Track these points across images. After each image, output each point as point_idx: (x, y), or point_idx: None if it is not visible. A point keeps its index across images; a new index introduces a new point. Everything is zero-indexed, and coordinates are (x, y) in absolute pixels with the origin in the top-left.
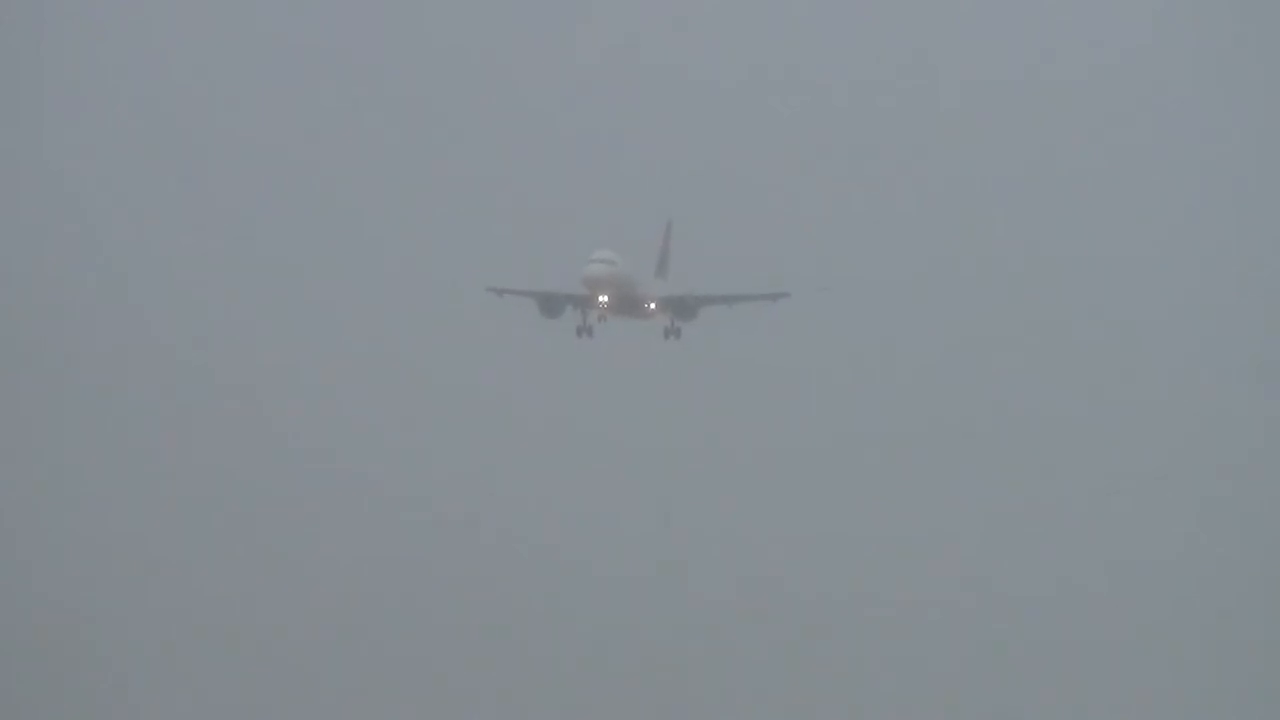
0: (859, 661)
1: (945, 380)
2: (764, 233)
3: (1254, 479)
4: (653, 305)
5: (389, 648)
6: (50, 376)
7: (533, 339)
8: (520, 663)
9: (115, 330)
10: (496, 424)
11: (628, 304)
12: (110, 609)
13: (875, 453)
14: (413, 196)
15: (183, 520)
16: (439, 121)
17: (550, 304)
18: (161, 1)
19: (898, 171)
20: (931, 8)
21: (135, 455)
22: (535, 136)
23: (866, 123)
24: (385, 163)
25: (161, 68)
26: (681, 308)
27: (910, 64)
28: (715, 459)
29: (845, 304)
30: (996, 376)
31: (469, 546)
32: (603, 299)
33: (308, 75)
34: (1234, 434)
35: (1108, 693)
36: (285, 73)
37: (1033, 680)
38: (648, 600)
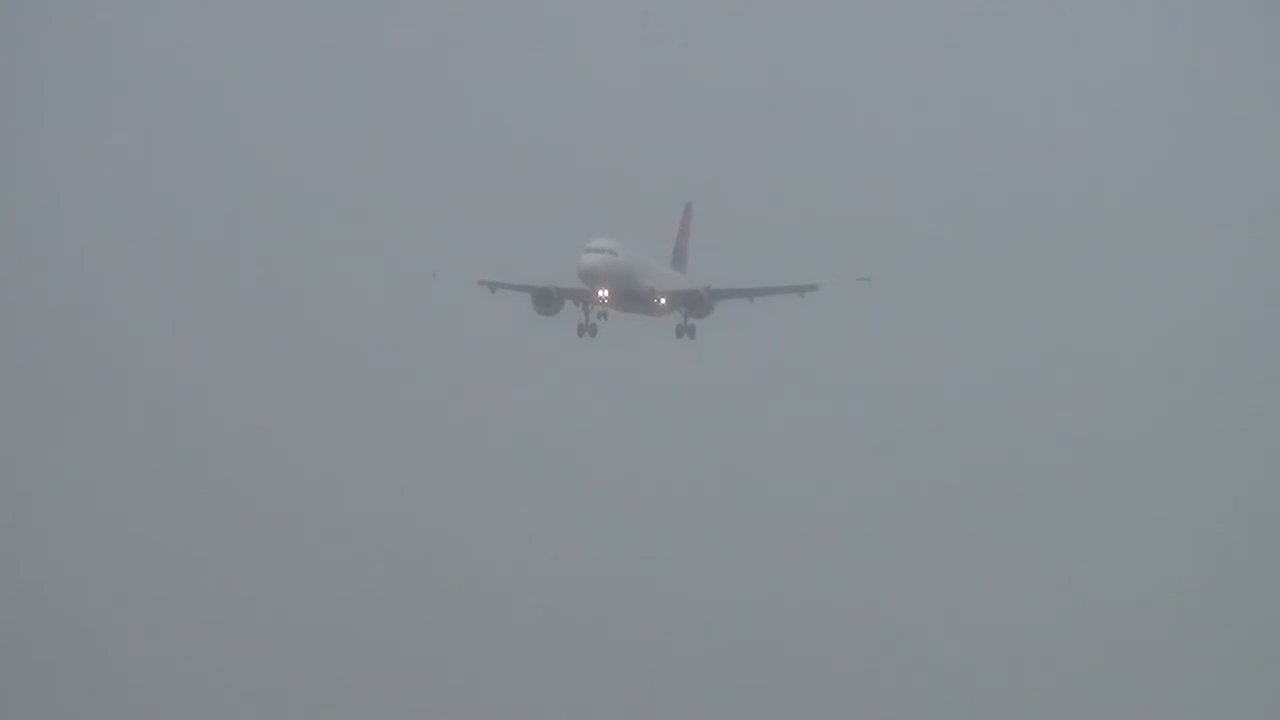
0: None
1: (998, 385)
2: (792, 218)
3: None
4: (663, 300)
5: (373, 655)
6: (38, 375)
7: (529, 339)
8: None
9: (97, 327)
10: (486, 434)
11: (633, 298)
12: (93, 610)
13: (915, 468)
14: (403, 183)
15: (165, 521)
16: (432, 104)
17: (545, 299)
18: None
19: (941, 153)
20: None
21: (116, 454)
22: (538, 115)
23: (904, 99)
24: (374, 147)
25: (153, 64)
26: (694, 302)
27: (948, 46)
28: (733, 475)
29: (884, 298)
30: (1045, 380)
31: (459, 564)
32: (602, 293)
33: (299, 62)
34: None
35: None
36: (278, 59)
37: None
38: (655, 624)
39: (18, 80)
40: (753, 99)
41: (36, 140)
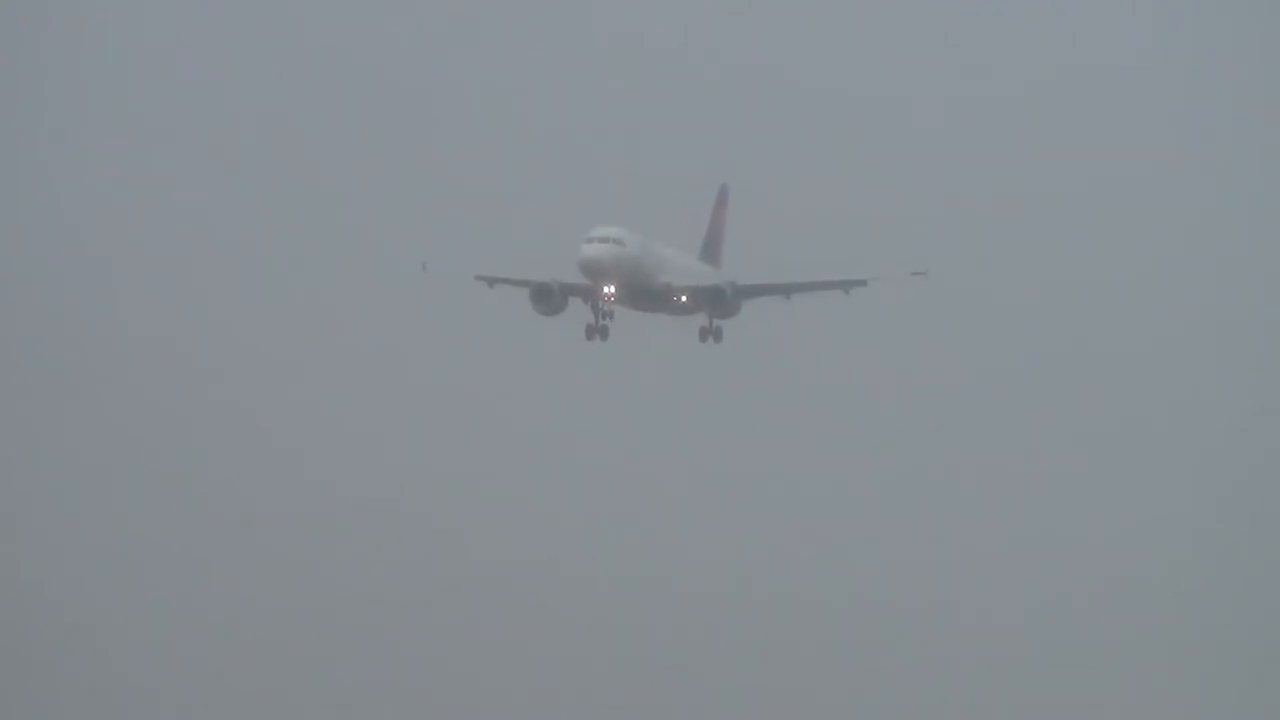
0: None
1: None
2: (838, 205)
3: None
4: (683, 297)
5: (366, 660)
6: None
7: (531, 343)
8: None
9: (92, 325)
10: (478, 449)
11: (647, 295)
12: (92, 610)
13: (975, 493)
14: (405, 172)
15: (154, 521)
16: (437, 90)
17: (545, 296)
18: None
19: (943, 152)
20: None
21: (106, 449)
22: (550, 101)
23: (904, 97)
24: (375, 134)
25: (152, 61)
26: (716, 300)
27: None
28: (761, 497)
29: (941, 294)
30: (1073, 382)
31: (461, 588)
32: (608, 289)
33: (298, 45)
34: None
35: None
36: (277, 45)
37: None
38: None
39: (18, 80)
40: (754, 97)
41: (36, 140)
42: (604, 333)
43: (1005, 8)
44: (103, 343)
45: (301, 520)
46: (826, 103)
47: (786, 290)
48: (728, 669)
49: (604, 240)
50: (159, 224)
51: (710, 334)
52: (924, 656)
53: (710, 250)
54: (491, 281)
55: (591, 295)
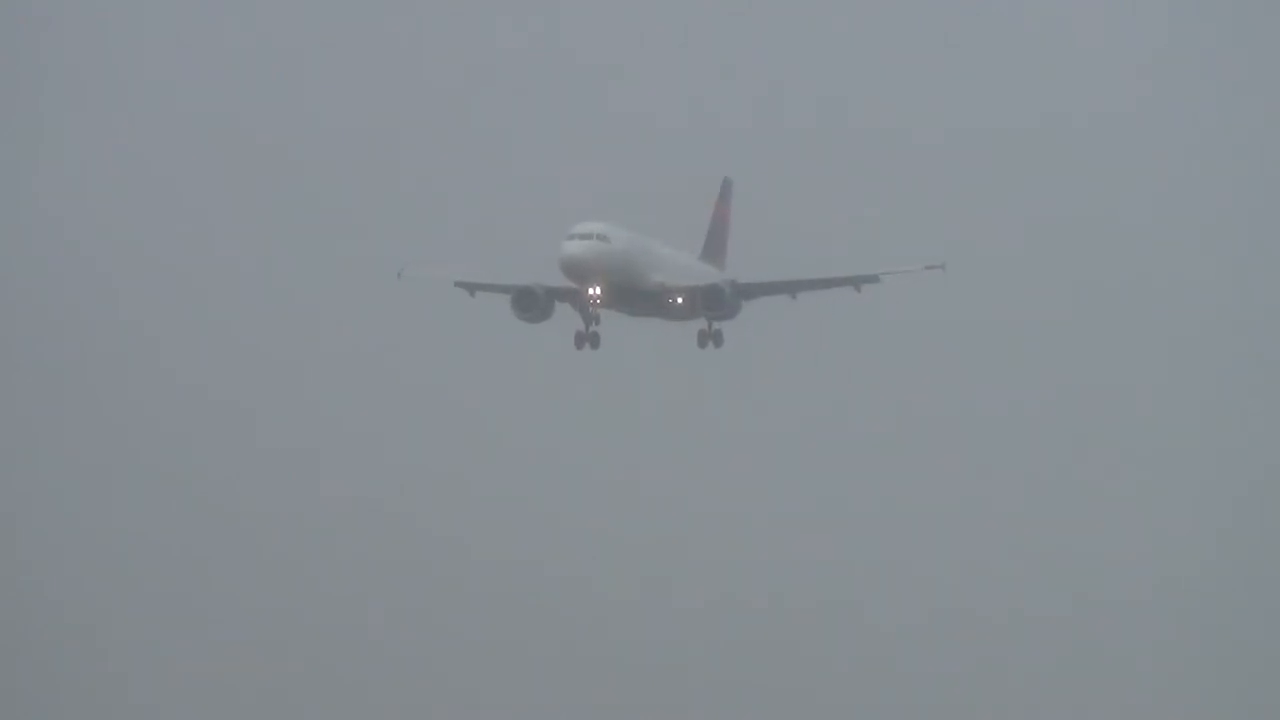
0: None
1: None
2: (838, 205)
3: None
4: (679, 299)
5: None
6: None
7: (514, 353)
8: None
9: (82, 326)
10: (454, 474)
11: (638, 297)
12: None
13: (993, 511)
14: (394, 175)
15: (131, 525)
16: (427, 96)
17: (528, 300)
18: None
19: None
20: None
21: (86, 454)
22: (555, 88)
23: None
24: (363, 136)
25: (145, 63)
26: (713, 301)
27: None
28: (767, 524)
29: (949, 294)
30: (1081, 388)
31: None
32: (593, 291)
33: (289, 45)
34: None
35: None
36: (256, 52)
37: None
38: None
39: (18, 80)
40: (754, 97)
41: (36, 140)
42: (594, 340)
43: (1005, 8)
44: (81, 344)
45: (282, 526)
46: (826, 102)
47: (792, 289)
48: (735, 687)
49: (585, 237)
50: (142, 227)
51: (710, 338)
52: (931, 663)
53: (712, 248)
54: (472, 288)
55: (580, 299)
